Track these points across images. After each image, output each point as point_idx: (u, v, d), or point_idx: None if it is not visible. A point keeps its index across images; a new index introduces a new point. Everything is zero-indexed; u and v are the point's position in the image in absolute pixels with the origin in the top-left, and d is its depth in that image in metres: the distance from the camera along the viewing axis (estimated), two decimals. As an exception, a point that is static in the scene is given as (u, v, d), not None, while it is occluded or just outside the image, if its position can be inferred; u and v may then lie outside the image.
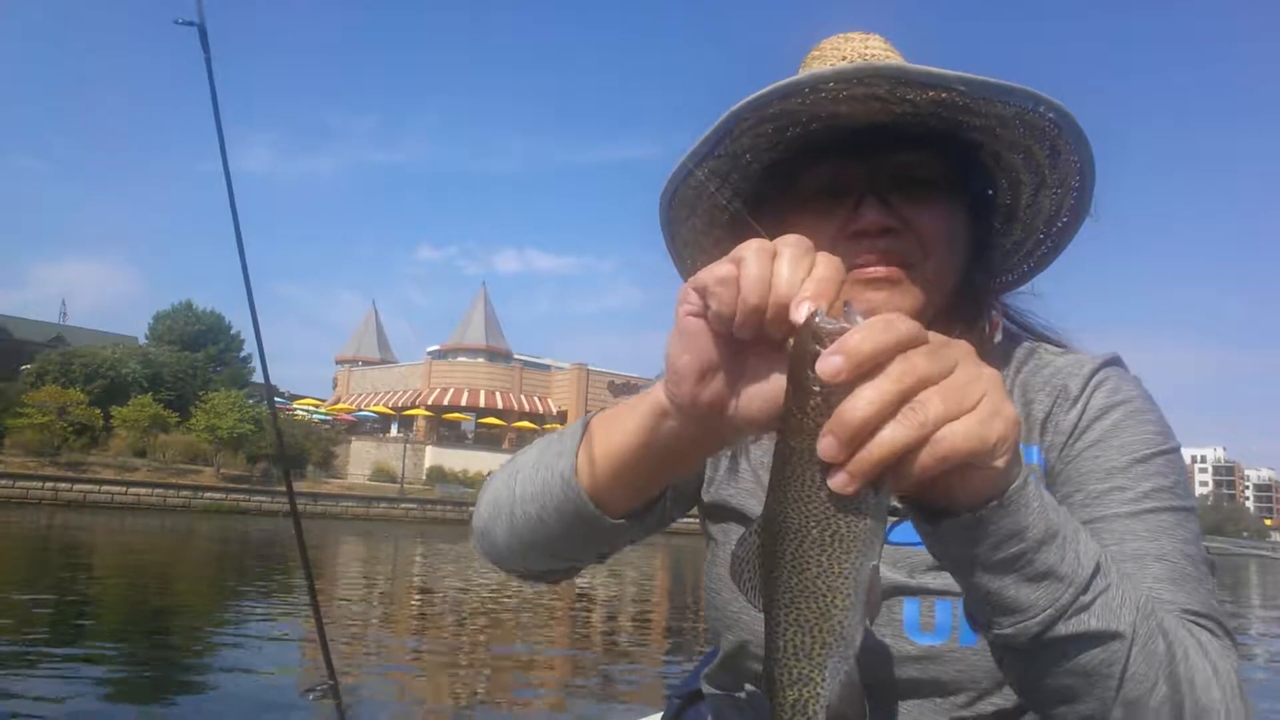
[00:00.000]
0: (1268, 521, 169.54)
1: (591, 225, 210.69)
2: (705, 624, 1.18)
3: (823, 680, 0.58)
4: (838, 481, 0.54)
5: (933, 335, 0.57)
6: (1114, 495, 0.89)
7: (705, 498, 1.13)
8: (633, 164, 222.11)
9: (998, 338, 1.07)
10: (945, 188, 0.97)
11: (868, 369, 0.54)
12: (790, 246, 0.62)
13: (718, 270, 0.63)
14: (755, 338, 0.63)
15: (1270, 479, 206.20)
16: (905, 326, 0.55)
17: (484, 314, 71.19)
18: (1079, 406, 0.96)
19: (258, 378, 65.21)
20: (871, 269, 0.93)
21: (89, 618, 11.66)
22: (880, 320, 0.55)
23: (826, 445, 0.54)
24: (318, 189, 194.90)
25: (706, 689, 1.17)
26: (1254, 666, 12.09)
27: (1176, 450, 0.94)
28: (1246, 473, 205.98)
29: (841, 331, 0.56)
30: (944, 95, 0.87)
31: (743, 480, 1.10)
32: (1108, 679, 0.68)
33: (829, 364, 0.54)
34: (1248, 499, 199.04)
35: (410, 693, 8.47)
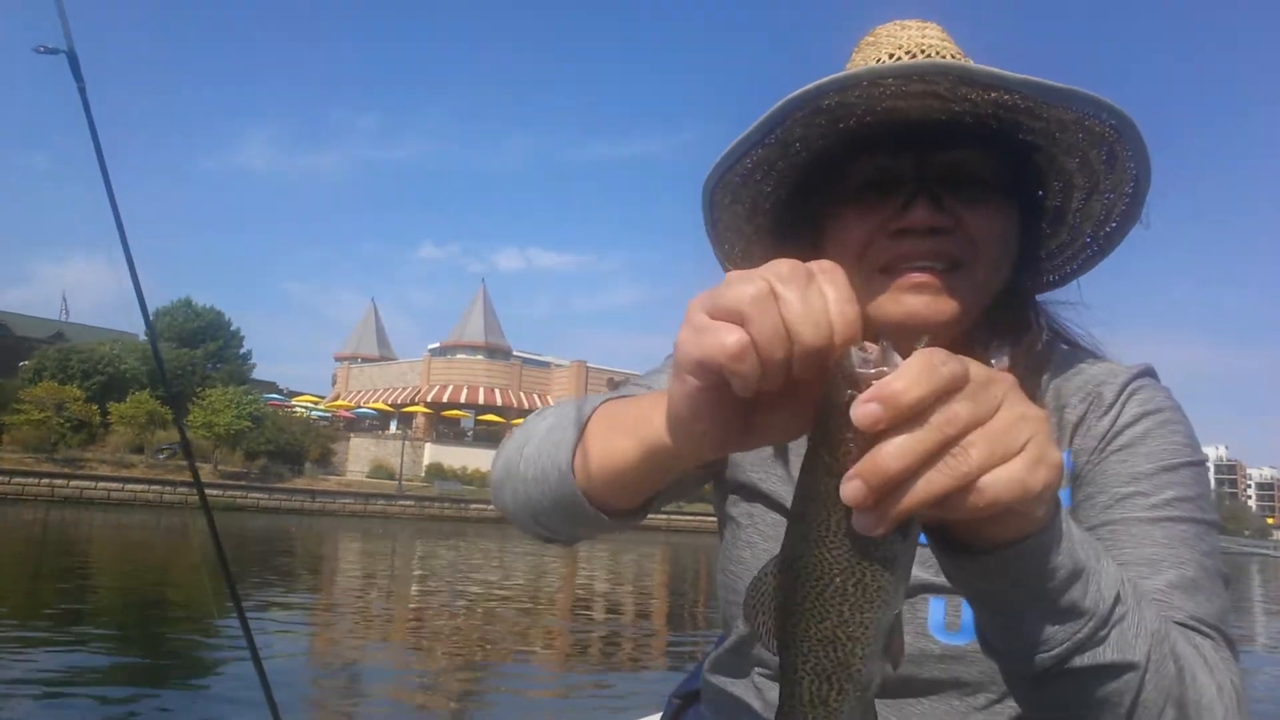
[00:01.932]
0: (1269, 520, 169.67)
1: (594, 223, 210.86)
2: (718, 609, 1.15)
3: None
4: (864, 523, 0.51)
5: (974, 369, 0.53)
6: (1136, 500, 0.89)
7: (729, 476, 1.09)
8: (636, 161, 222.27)
9: (1039, 345, 1.04)
10: (998, 188, 0.94)
11: (907, 418, 0.50)
12: (829, 273, 0.55)
13: (745, 289, 0.55)
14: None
15: (1272, 478, 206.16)
16: (948, 369, 0.51)
17: (483, 311, 71.14)
18: (1112, 413, 0.95)
19: (260, 374, 65.93)
20: (915, 275, 0.91)
21: (81, 616, 11.55)
22: (922, 363, 0.51)
23: (853, 490, 0.50)
24: (320, 186, 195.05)
25: (711, 678, 1.15)
26: (1256, 659, 12.00)
27: (1203, 464, 0.94)
28: (1249, 471, 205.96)
29: (879, 375, 0.51)
30: (1005, 97, 0.86)
31: (775, 464, 1.06)
32: (1118, 707, 0.68)
33: (867, 412, 0.50)
34: (1249, 498, 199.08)
35: (406, 693, 8.39)
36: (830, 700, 0.55)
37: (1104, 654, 0.66)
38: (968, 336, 0.97)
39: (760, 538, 1.03)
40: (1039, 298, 1.08)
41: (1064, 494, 0.93)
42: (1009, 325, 1.00)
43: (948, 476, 0.50)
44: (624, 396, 0.82)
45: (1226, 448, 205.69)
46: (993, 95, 0.85)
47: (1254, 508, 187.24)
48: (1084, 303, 1.09)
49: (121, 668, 8.66)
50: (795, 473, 0.67)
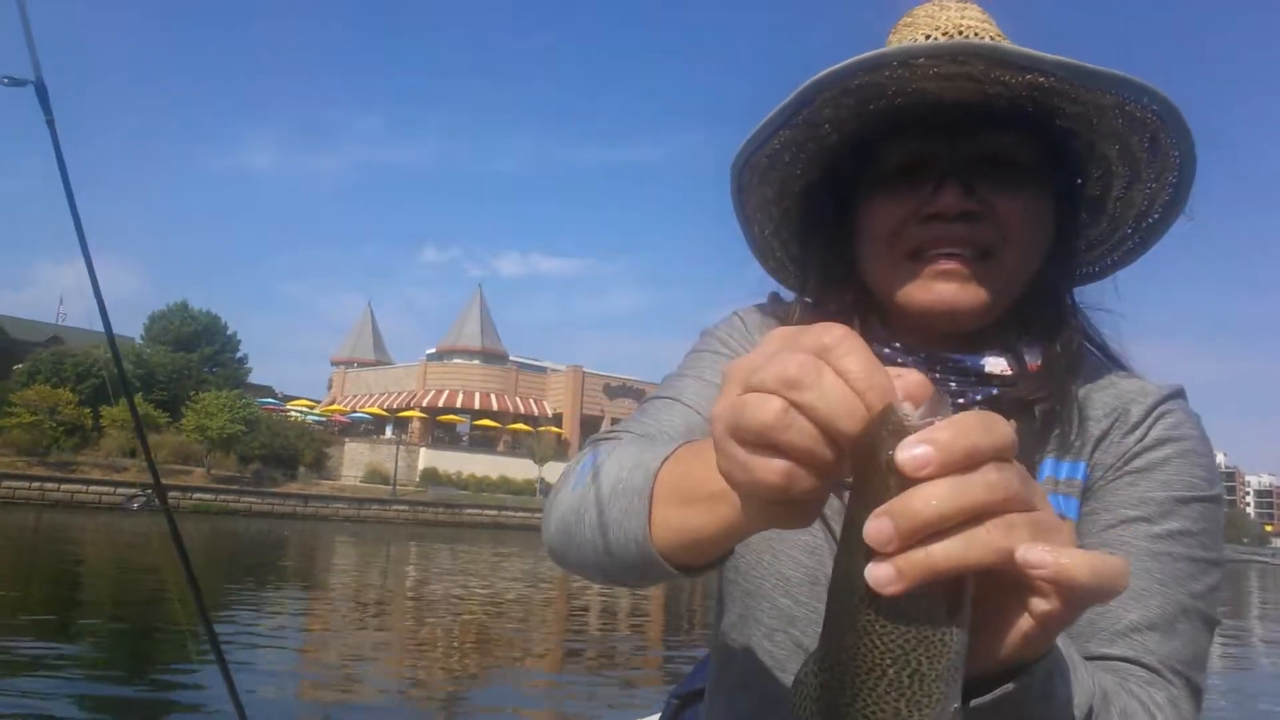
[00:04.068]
0: (1268, 528, 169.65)
1: (596, 227, 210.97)
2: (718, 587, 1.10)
3: None
4: (879, 575, 0.45)
5: (1018, 464, 0.49)
6: (1139, 525, 0.88)
7: None
8: (638, 166, 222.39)
9: (1075, 344, 1.00)
10: (1033, 174, 0.92)
11: (957, 470, 0.45)
12: (840, 344, 0.49)
13: (764, 412, 0.49)
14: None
15: (1271, 485, 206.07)
16: (1003, 431, 0.47)
17: (479, 316, 71.06)
18: (1137, 433, 0.93)
19: (259, 377, 65.85)
20: (944, 261, 0.89)
21: (64, 622, 11.47)
22: (976, 417, 0.47)
23: (877, 528, 0.45)
24: (321, 188, 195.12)
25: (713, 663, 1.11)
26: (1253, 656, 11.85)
27: (1217, 500, 0.91)
28: (1247, 478, 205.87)
29: (929, 425, 0.46)
30: (1041, 79, 0.83)
31: None
32: None
33: (913, 455, 0.45)
34: (1248, 505, 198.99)
35: (400, 697, 8.33)
36: None
37: None
38: (997, 328, 0.94)
39: None
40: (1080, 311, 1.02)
41: (1073, 505, 0.91)
42: (1040, 320, 0.95)
43: (988, 547, 0.46)
44: (685, 448, 0.73)
45: (1225, 454, 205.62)
46: (1027, 78, 0.82)
47: (1252, 515, 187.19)
48: (1117, 310, 1.04)
49: (101, 678, 8.55)
50: None
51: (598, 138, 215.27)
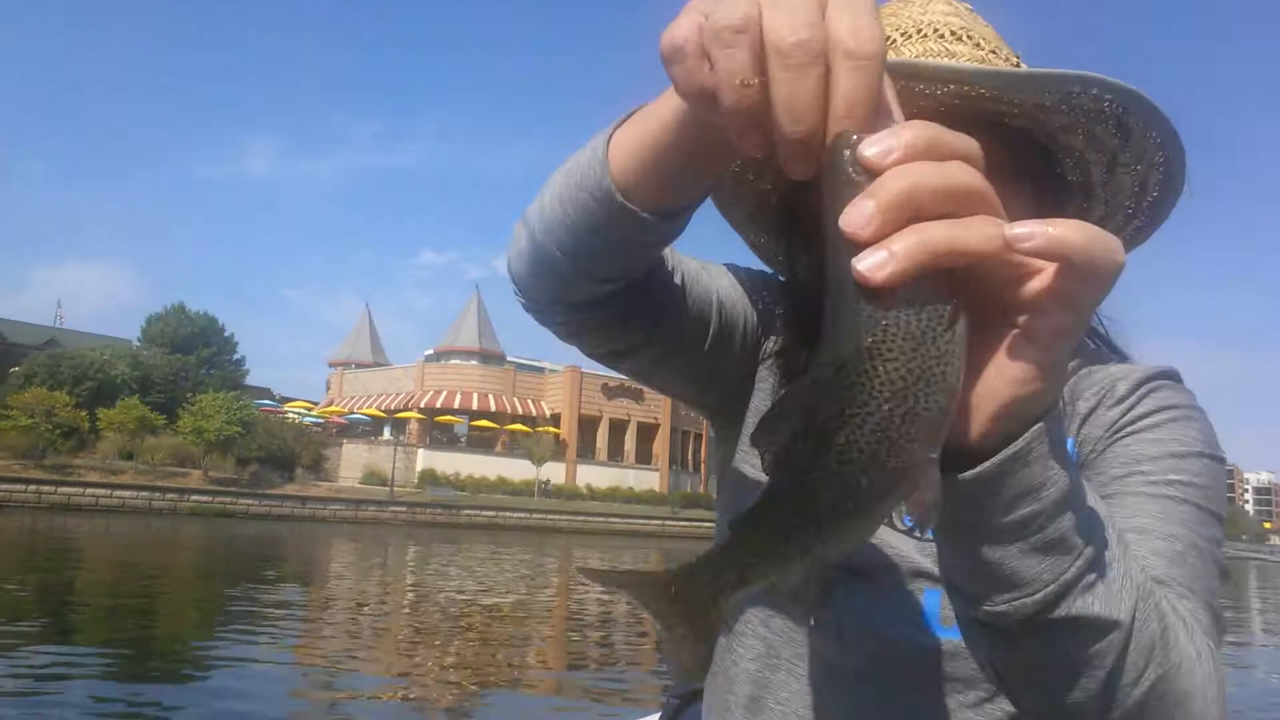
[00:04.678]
0: (1266, 525, 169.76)
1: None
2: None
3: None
4: (870, 262, 0.42)
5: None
6: (1134, 478, 0.84)
7: (741, 434, 1.05)
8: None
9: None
10: (998, 168, 0.88)
11: (924, 155, 0.44)
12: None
13: (723, 17, 0.46)
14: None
15: (1269, 482, 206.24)
16: (968, 140, 0.46)
17: (477, 317, 70.90)
18: (1123, 405, 0.91)
19: (257, 379, 65.73)
20: None
21: (62, 627, 11.40)
22: (939, 126, 0.46)
23: (854, 208, 0.43)
24: (320, 192, 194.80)
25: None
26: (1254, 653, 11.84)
27: (1218, 460, 0.88)
28: (1246, 476, 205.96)
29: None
30: (966, 89, 0.80)
31: None
32: (1098, 669, 0.61)
33: (880, 143, 0.43)
34: (1247, 502, 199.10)
35: (399, 699, 8.27)
36: (797, 562, 0.49)
37: (1090, 604, 0.59)
38: None
39: None
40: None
41: None
42: None
43: (982, 233, 0.44)
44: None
45: (1224, 452, 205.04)
46: (951, 88, 0.80)
47: (1251, 512, 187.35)
48: (1107, 315, 1.03)
49: (104, 678, 8.50)
50: None
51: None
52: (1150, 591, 0.64)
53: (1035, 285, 0.47)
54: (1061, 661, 0.61)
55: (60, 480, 36.90)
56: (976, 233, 0.43)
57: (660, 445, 63.65)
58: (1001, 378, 0.50)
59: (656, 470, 62.57)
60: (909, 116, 0.77)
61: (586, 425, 62.81)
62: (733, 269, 1.02)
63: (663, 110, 0.63)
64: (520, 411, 63.72)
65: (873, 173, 0.43)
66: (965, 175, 0.45)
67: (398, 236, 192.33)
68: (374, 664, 9.72)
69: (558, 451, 57.91)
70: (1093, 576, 0.59)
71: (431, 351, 71.24)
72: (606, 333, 0.85)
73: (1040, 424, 0.54)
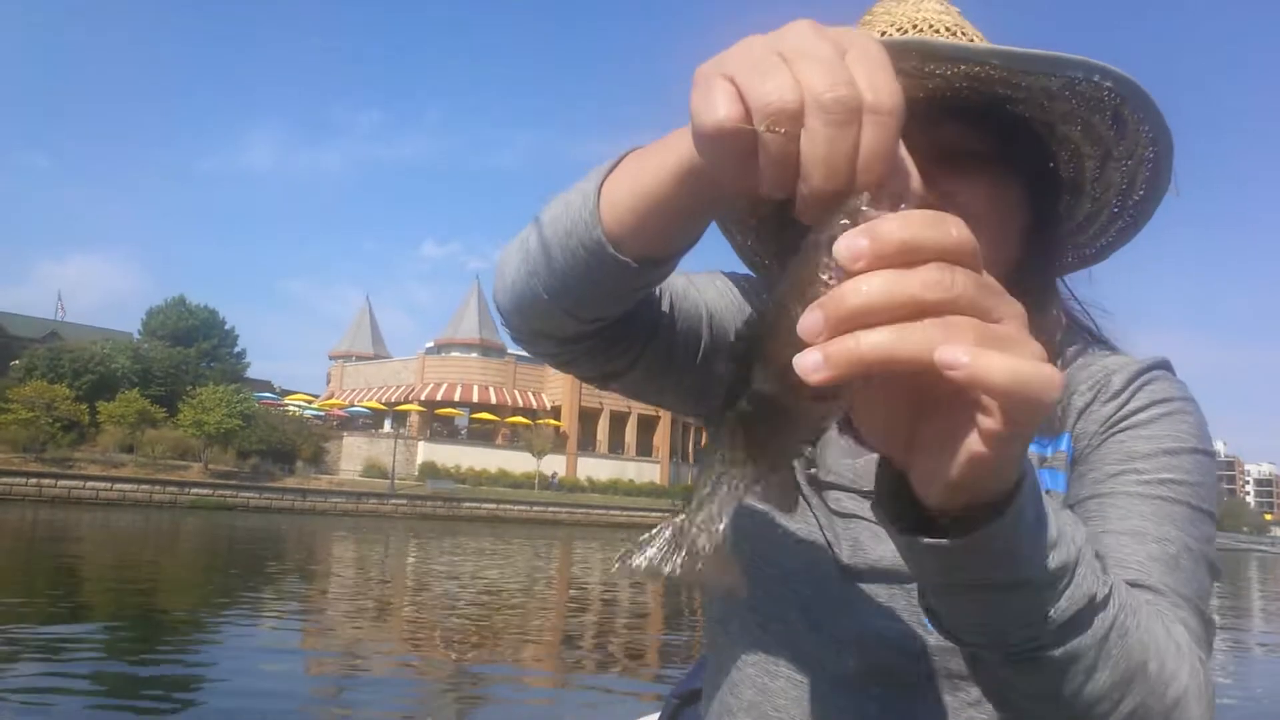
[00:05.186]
0: (1267, 516, 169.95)
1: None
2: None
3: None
4: (804, 363, 0.44)
5: (989, 277, 0.47)
6: (1128, 476, 0.85)
7: None
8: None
9: (1059, 335, 0.99)
10: (994, 160, 0.90)
11: (894, 261, 0.44)
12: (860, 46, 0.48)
13: (768, 88, 0.47)
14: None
15: (1270, 474, 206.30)
16: (956, 231, 0.46)
17: (477, 308, 70.86)
18: (1118, 400, 0.91)
19: (259, 372, 65.96)
20: None
21: (64, 619, 11.43)
22: (928, 214, 0.46)
23: (809, 321, 0.44)
24: (321, 184, 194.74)
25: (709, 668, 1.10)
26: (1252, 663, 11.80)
27: (1209, 455, 0.89)
28: (1247, 468, 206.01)
29: (879, 216, 0.46)
30: (976, 69, 0.80)
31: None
32: (1071, 695, 0.64)
33: (852, 245, 0.44)
34: (1248, 494, 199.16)
35: (398, 695, 8.25)
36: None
37: (1078, 637, 0.62)
38: None
39: (765, 506, 0.90)
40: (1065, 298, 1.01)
41: (1060, 479, 0.90)
42: (1027, 304, 0.91)
43: (921, 343, 0.44)
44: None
45: (1225, 444, 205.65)
46: (963, 68, 0.80)
47: (1252, 504, 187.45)
48: (1101, 306, 1.03)
49: (106, 672, 8.53)
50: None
51: (599, 130, 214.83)
52: (1135, 609, 0.66)
53: (975, 404, 0.47)
54: (1048, 690, 0.64)
55: (60, 473, 36.99)
56: (913, 343, 0.44)
57: (661, 437, 63.72)
58: (947, 458, 0.50)
59: (658, 463, 62.66)
60: (917, 100, 0.78)
61: (587, 417, 62.86)
62: (718, 276, 1.01)
63: (661, 160, 0.62)
64: (521, 404, 63.81)
65: (841, 269, 0.45)
66: (932, 282, 0.44)
67: (399, 228, 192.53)
68: (372, 661, 9.69)
69: (559, 444, 57.96)
70: (1087, 613, 0.62)
71: (432, 344, 71.29)
72: (594, 360, 0.86)
73: (994, 521, 0.54)
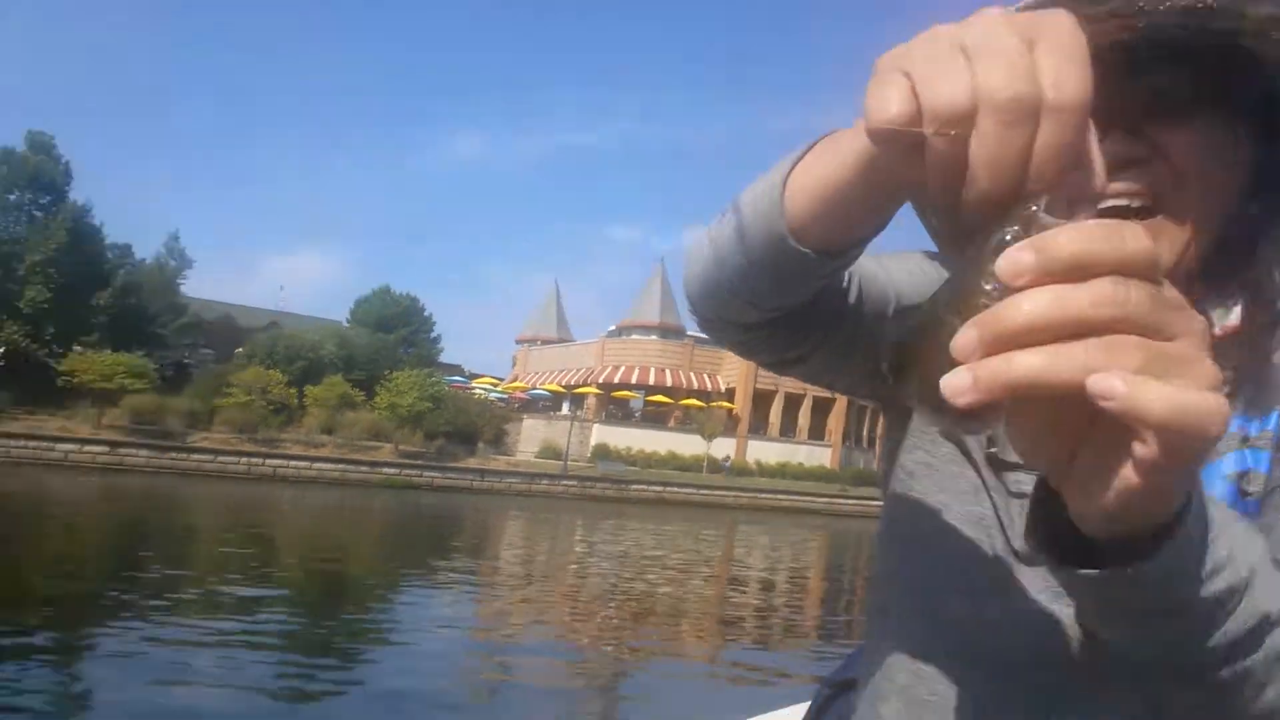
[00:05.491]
0: None
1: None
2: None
3: None
4: (952, 385, 0.42)
5: (1170, 288, 0.43)
6: None
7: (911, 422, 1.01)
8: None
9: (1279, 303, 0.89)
10: (1211, 104, 0.79)
11: (1061, 279, 0.41)
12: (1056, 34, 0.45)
13: (941, 89, 0.45)
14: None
15: None
16: (1132, 242, 0.42)
17: (660, 291, 71.48)
18: None
19: (450, 357, 69.62)
20: (1113, 201, 0.77)
21: (261, 583, 12.69)
22: (1102, 224, 0.42)
23: (963, 341, 0.42)
24: (522, 170, 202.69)
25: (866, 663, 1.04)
26: None
27: None
28: None
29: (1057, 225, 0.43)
30: (1186, 3, 0.72)
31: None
32: (1248, 706, 0.62)
33: (1015, 261, 0.42)
34: None
35: (555, 668, 8.76)
36: None
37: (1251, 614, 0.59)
38: (1183, 288, 0.86)
39: (936, 488, 0.92)
40: None
41: (1263, 459, 0.80)
42: (1236, 272, 0.83)
43: (1078, 366, 0.41)
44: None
45: None
46: (1169, 2, 0.72)
47: None
48: None
49: (297, 636, 9.47)
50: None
51: (798, 102, 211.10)
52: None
53: (1133, 433, 0.44)
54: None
55: (268, 453, 40.76)
56: (1067, 367, 0.41)
57: (836, 421, 62.27)
58: (1104, 484, 0.47)
59: (829, 446, 61.34)
60: (1125, 43, 0.72)
61: (761, 400, 62.36)
62: (914, 257, 0.96)
63: (848, 146, 0.59)
64: (696, 386, 64.13)
65: (1002, 284, 0.42)
66: (1103, 299, 0.41)
67: (587, 210, 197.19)
68: (534, 633, 10.19)
69: (730, 427, 57.98)
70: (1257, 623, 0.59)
71: (614, 327, 72.59)
72: (774, 347, 0.85)
73: (1153, 553, 0.52)
